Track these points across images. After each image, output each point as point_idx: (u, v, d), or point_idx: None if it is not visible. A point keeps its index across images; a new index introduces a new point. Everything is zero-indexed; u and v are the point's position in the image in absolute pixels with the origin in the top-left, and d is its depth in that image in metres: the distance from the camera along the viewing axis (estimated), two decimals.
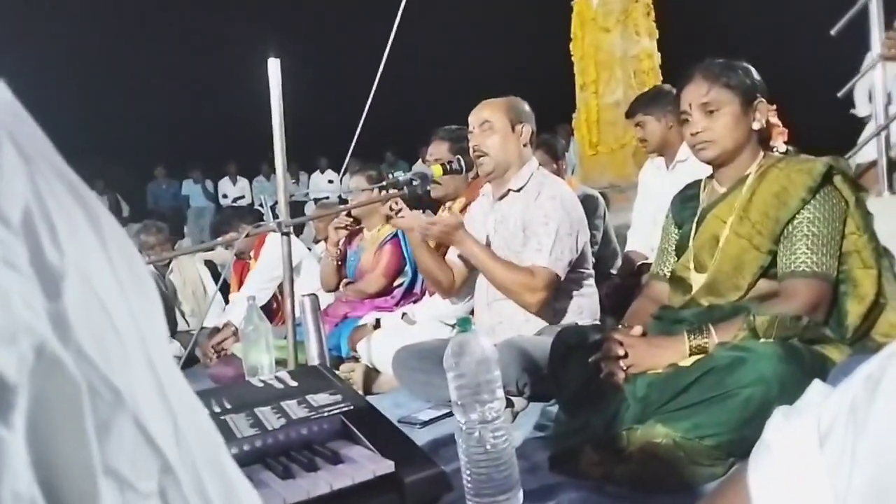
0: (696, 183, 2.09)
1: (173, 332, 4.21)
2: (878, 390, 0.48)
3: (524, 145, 2.56)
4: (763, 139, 1.90)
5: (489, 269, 2.42)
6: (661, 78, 6.25)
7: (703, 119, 1.84)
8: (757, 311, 1.66)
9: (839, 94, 3.03)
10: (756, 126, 1.85)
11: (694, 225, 1.96)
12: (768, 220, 1.76)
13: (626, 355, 1.73)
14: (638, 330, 1.84)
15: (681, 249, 2.01)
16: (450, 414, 2.20)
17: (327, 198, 10.77)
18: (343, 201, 4.78)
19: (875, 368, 0.50)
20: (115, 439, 0.32)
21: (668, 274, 2.04)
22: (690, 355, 1.69)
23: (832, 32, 3.05)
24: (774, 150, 1.91)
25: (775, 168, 1.81)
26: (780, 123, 1.90)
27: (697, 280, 1.89)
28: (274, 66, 2.32)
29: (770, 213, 1.76)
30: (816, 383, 0.59)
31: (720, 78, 1.83)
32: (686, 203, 2.06)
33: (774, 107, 1.89)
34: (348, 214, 3.54)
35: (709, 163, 1.91)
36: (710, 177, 2.00)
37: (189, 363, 3.63)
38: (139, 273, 0.37)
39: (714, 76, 1.84)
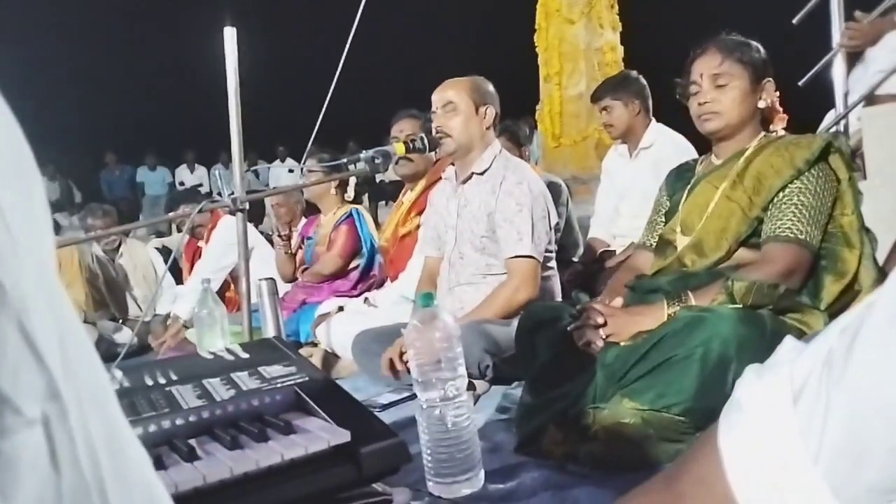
0: (693, 160, 2.13)
1: (124, 318, 4.08)
2: (857, 339, 0.46)
3: (487, 128, 2.52)
4: (764, 120, 1.94)
5: (482, 317, 2.32)
6: None
7: (711, 90, 1.86)
8: (735, 277, 1.65)
9: (800, 84, 3.06)
10: (762, 104, 1.88)
11: (686, 192, 1.98)
12: (761, 187, 1.79)
13: (605, 324, 1.72)
14: (618, 301, 1.85)
15: (670, 215, 2.02)
16: (410, 398, 2.16)
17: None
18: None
19: (852, 319, 0.48)
20: None
21: (654, 243, 2.05)
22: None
23: (794, 22, 3.08)
24: (774, 133, 1.94)
25: (774, 143, 1.85)
26: (781, 109, 1.93)
27: (683, 242, 1.91)
28: (230, 35, 2.24)
29: (764, 181, 1.79)
30: (789, 339, 0.56)
31: (734, 52, 1.86)
32: (681, 175, 2.09)
33: (778, 93, 1.91)
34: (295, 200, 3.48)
35: (711, 134, 1.93)
36: (707, 154, 2.03)
37: (141, 350, 3.52)
38: (24, 163, 0.32)
39: (728, 49, 1.86)
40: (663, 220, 2.07)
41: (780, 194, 1.76)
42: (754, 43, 1.91)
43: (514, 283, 2.35)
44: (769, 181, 1.78)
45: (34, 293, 0.29)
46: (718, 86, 1.86)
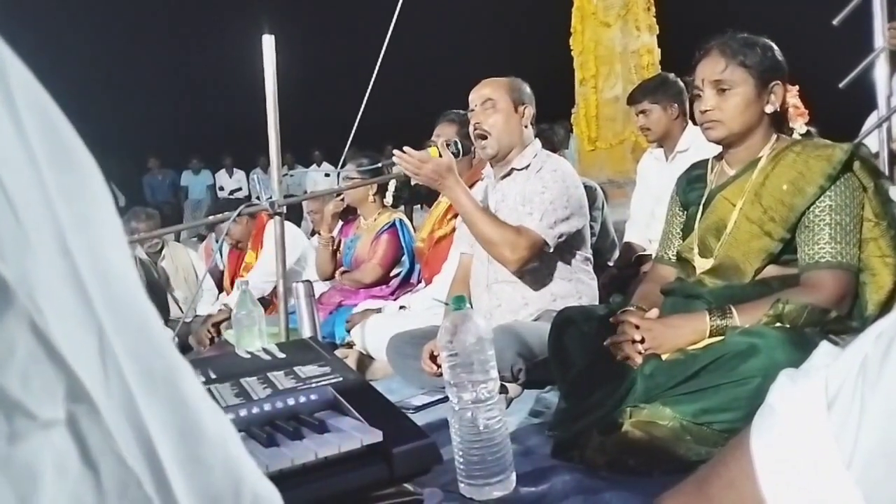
0: (703, 163, 2.01)
1: (166, 320, 4.17)
2: (893, 345, 0.45)
3: (526, 126, 2.51)
4: (778, 121, 1.83)
5: (474, 220, 2.33)
6: None
7: (714, 97, 1.77)
8: (786, 299, 1.59)
9: (841, 86, 2.99)
10: (769, 109, 1.77)
11: (701, 207, 1.89)
12: (783, 206, 1.70)
13: (642, 340, 1.68)
14: (654, 312, 1.79)
15: (687, 231, 1.95)
16: (443, 400, 2.17)
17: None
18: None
19: (888, 326, 0.47)
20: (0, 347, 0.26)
21: (674, 257, 1.99)
22: (710, 336, 1.64)
23: (834, 22, 3.01)
24: (794, 132, 1.83)
25: (791, 152, 1.74)
26: (800, 105, 1.83)
27: (701, 264, 1.84)
28: (268, 43, 2.29)
29: (785, 199, 1.70)
30: (824, 345, 0.55)
31: (737, 56, 1.75)
32: (692, 184, 2.00)
33: (797, 87, 1.82)
34: (339, 196, 3.50)
35: (716, 143, 1.85)
36: (718, 157, 1.93)
37: (182, 351, 3.58)
38: (64, 143, 0.31)
39: (731, 53, 1.75)
40: (680, 233, 1.99)
41: (810, 215, 1.67)
42: (764, 41, 1.79)
43: (517, 241, 2.28)
44: (792, 200, 1.69)
45: (52, 287, 0.28)
46: (721, 90, 1.76)
